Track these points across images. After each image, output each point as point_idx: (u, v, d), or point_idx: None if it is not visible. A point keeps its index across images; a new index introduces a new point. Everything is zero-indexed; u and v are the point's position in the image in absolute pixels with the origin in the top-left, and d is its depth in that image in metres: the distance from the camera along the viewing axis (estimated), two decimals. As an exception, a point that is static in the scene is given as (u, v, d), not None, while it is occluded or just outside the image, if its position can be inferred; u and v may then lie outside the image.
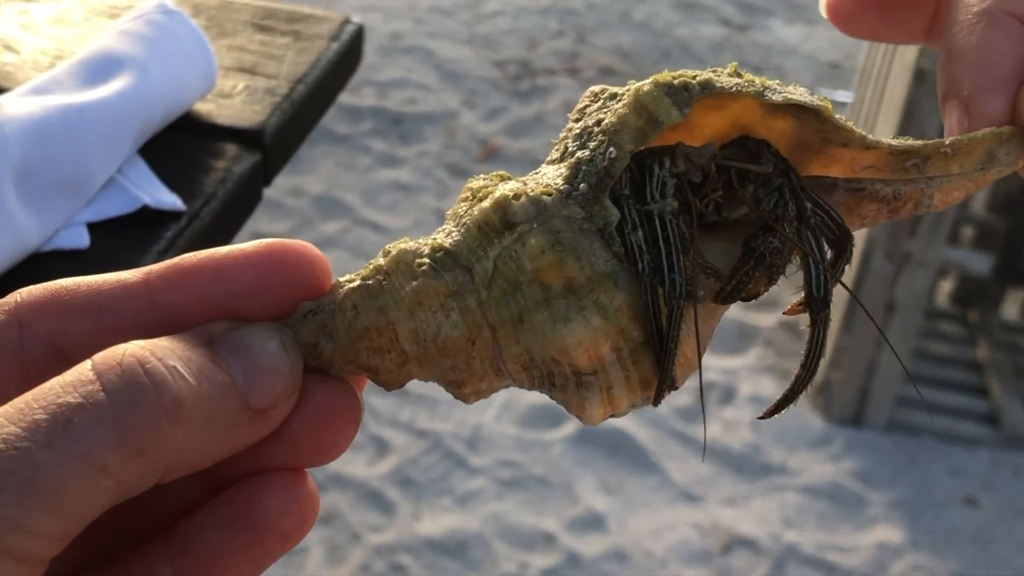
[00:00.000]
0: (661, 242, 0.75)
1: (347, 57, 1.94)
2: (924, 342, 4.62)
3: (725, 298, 0.78)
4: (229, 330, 0.66)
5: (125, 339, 0.64)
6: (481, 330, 0.74)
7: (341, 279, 0.75)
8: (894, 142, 0.80)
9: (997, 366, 4.59)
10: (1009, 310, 4.96)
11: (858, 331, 4.26)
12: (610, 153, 0.75)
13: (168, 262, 0.69)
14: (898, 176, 0.81)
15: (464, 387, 0.76)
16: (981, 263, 4.39)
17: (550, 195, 0.75)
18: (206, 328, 0.66)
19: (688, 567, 3.72)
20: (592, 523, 3.83)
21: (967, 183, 0.81)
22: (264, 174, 1.67)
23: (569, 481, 3.97)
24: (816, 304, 0.79)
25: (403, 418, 4.14)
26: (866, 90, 4.41)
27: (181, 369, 0.61)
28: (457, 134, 5.84)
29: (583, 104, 0.81)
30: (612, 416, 0.78)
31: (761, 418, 0.84)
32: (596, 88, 0.82)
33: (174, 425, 0.59)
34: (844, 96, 5.66)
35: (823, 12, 0.99)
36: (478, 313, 0.74)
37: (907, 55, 3.98)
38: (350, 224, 5.18)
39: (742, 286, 0.77)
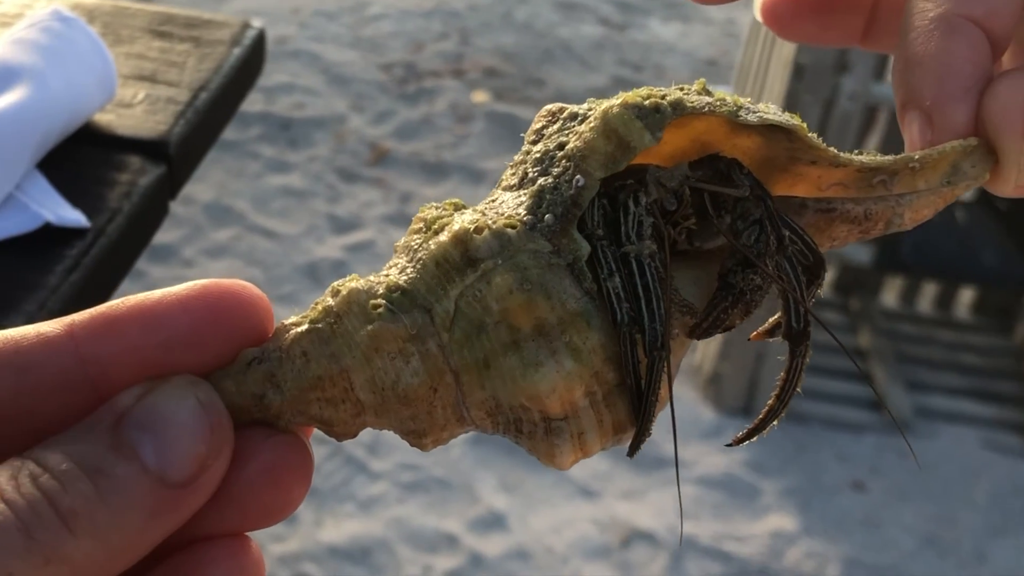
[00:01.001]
0: (640, 289, 0.68)
1: (249, 63, 1.85)
2: (808, 332, 4.65)
3: (701, 335, 0.73)
4: (140, 398, 0.59)
5: (49, 400, 0.59)
6: (444, 376, 0.67)
7: (286, 322, 0.68)
8: (865, 159, 0.74)
9: (879, 352, 4.63)
10: (888, 297, 5.01)
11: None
12: (577, 181, 0.69)
13: (93, 311, 0.61)
14: (864, 194, 0.76)
15: (425, 437, 0.69)
16: (861, 252, 4.42)
17: (514, 227, 0.68)
18: (114, 404, 0.59)
19: (589, 562, 3.68)
20: (493, 522, 3.77)
21: (936, 199, 0.75)
22: (170, 186, 1.57)
23: (469, 482, 3.90)
24: (796, 337, 0.75)
25: (302, 424, 4.00)
26: (745, 85, 4.42)
27: (77, 472, 0.55)
28: (346, 138, 5.73)
29: (539, 124, 0.75)
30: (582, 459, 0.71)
31: (729, 445, 0.78)
32: (552, 107, 0.75)
33: (76, 536, 0.53)
34: (724, 91, 5.68)
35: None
36: (440, 358, 0.67)
37: (785, 51, 3.99)
38: (242, 231, 5.05)
39: (719, 323, 0.72)
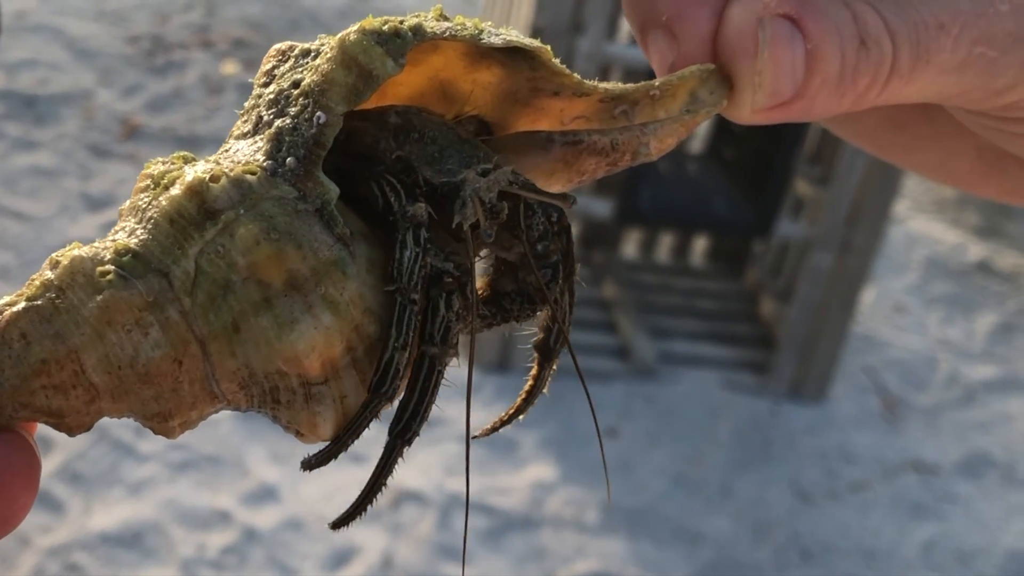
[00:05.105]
0: (420, 386, 0.65)
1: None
2: (557, 287, 4.67)
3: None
4: None
5: None
6: (188, 346, 0.60)
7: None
8: (608, 85, 0.71)
9: (622, 303, 4.69)
10: (628, 249, 5.08)
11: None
12: (318, 118, 0.62)
13: None
14: (608, 125, 0.73)
15: (171, 419, 0.62)
16: (602, 207, 4.45)
17: (254, 174, 0.61)
18: None
19: (361, 526, 3.62)
20: (265, 495, 3.67)
21: (679, 127, 0.72)
22: None
23: (240, 456, 3.78)
24: (550, 354, 0.75)
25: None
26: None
27: None
28: (95, 114, 5.44)
29: (269, 65, 0.68)
30: None
31: (476, 438, 0.79)
32: (282, 45, 0.69)
33: None
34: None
35: None
36: (183, 326, 0.59)
37: (523, 14, 3.98)
38: (-11, 214, 4.74)
39: (482, 330, 0.71)
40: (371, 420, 0.64)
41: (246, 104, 0.67)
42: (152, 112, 5.52)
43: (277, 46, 0.69)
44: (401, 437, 0.65)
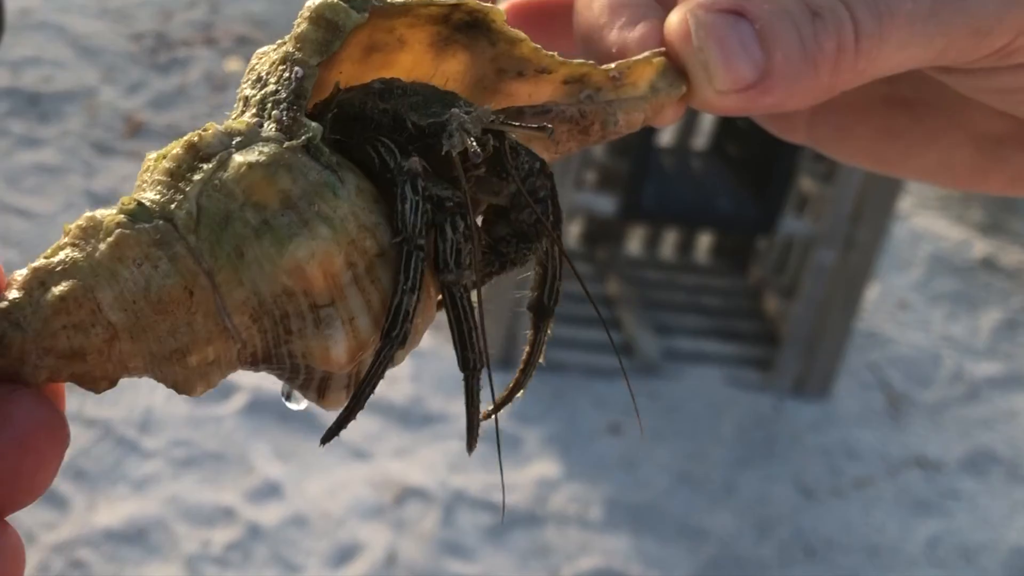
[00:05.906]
0: (454, 322, 0.66)
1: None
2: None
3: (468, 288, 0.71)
4: None
5: None
6: (198, 278, 0.62)
7: (17, 274, 0.61)
8: (569, 67, 0.74)
9: (626, 299, 4.69)
10: (632, 245, 5.08)
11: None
12: (296, 73, 0.67)
13: None
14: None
15: (189, 356, 0.63)
16: (606, 204, 4.45)
17: (243, 124, 0.65)
18: None
19: (365, 523, 3.63)
20: (269, 492, 3.68)
21: (646, 106, 0.74)
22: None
23: (244, 452, 3.79)
24: (546, 312, 0.74)
25: (70, 408, 3.77)
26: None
27: None
28: (99, 111, 5.44)
29: (251, 64, 0.71)
30: (361, 358, 0.66)
31: (484, 418, 0.76)
32: (263, 49, 0.72)
33: None
34: None
35: None
36: (190, 260, 0.62)
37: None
38: (-7, 211, 4.74)
39: (485, 282, 0.71)
40: (386, 367, 0.65)
41: (236, 101, 0.71)
42: (156, 109, 5.53)
43: (258, 51, 0.72)
44: (466, 370, 0.67)
